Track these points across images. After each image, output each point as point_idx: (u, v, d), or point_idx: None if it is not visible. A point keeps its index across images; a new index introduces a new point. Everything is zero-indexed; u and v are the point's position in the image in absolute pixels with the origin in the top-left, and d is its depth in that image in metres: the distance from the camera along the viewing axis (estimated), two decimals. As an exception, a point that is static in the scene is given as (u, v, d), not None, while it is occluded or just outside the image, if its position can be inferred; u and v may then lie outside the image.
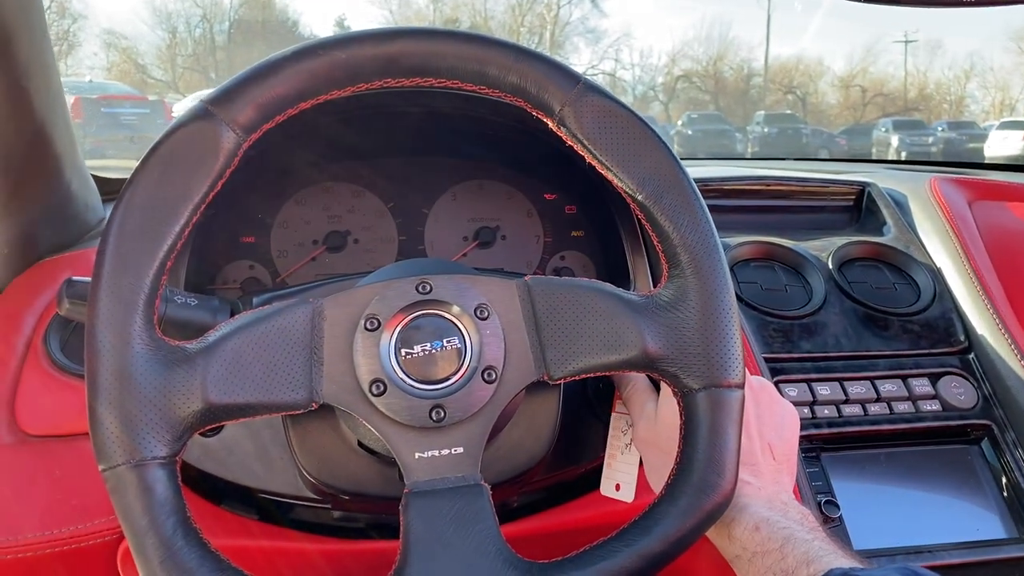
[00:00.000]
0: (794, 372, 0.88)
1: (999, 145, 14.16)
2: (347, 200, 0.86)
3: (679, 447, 0.56)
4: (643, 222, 0.57)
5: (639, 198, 0.55)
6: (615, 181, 0.56)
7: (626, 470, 0.73)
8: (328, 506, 0.70)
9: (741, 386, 0.57)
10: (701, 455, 0.54)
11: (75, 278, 0.63)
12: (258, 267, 0.84)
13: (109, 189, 1.03)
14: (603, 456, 0.77)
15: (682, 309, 0.55)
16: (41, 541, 0.67)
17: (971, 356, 0.93)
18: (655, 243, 0.57)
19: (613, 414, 0.77)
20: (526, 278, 0.57)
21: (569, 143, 0.55)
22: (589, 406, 0.77)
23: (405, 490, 0.53)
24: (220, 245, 0.83)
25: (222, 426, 0.70)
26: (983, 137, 16.23)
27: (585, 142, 0.55)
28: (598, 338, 0.55)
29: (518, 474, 0.66)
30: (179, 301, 0.64)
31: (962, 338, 0.94)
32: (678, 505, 0.54)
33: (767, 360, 0.87)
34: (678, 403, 0.57)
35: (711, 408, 0.55)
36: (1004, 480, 0.86)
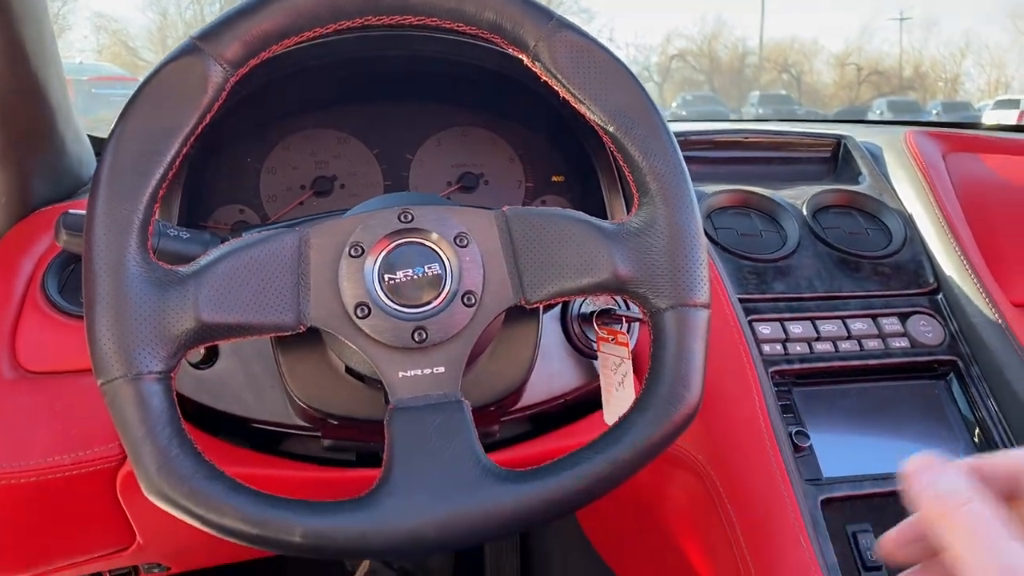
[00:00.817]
0: (767, 312, 0.91)
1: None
2: (333, 146, 0.88)
3: (649, 364, 0.59)
4: (615, 154, 0.59)
5: (610, 130, 0.58)
6: (588, 114, 0.58)
7: (624, 405, 0.76)
8: (318, 434, 0.73)
9: (707, 306, 0.60)
10: (668, 370, 0.57)
11: (71, 211, 0.65)
12: (248, 211, 0.87)
13: (102, 149, 1.05)
14: (583, 390, 0.80)
15: (651, 234, 0.58)
16: (44, 467, 0.71)
17: (939, 296, 0.96)
18: (626, 173, 0.60)
19: (600, 353, 0.80)
20: (504, 208, 0.60)
21: (544, 78, 0.58)
22: (572, 342, 0.81)
23: (390, 406, 0.56)
24: (211, 190, 0.86)
25: (215, 358, 0.73)
26: (977, 119, 16.25)
27: (559, 76, 0.57)
28: (571, 263, 0.58)
29: (498, 399, 0.69)
30: (172, 234, 0.67)
31: (931, 279, 0.97)
32: (646, 416, 0.57)
33: (741, 301, 0.91)
34: (647, 324, 0.60)
35: (678, 326, 0.58)
36: (968, 411, 0.89)
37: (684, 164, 0.60)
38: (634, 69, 0.61)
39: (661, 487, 0.87)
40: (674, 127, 1.18)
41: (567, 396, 0.79)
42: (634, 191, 0.60)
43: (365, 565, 1.28)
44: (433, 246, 0.58)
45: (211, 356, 0.74)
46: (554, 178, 0.92)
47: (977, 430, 0.88)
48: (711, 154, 1.13)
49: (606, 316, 0.79)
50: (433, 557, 1.31)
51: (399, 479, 0.54)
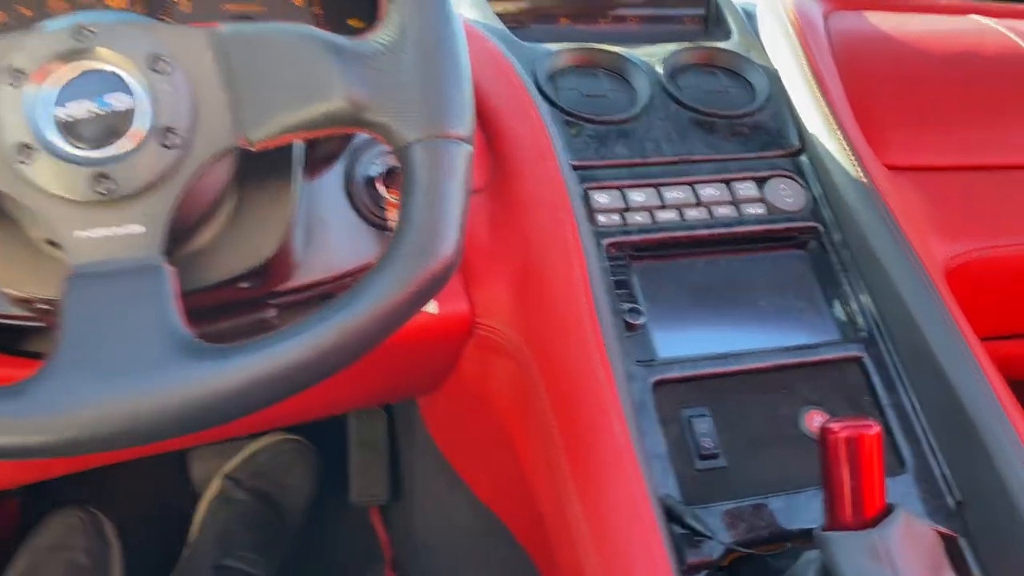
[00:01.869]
0: (607, 179, 0.80)
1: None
2: None
3: (398, 213, 0.48)
4: None
5: None
6: None
7: None
8: (42, 324, 0.61)
9: (467, 140, 0.49)
10: (418, 217, 0.47)
11: None
12: None
13: None
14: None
15: (399, 49, 0.48)
16: None
17: (802, 158, 0.86)
18: None
19: (390, 221, 0.70)
20: (218, 25, 0.48)
21: None
22: (359, 210, 0.70)
23: (65, 275, 0.45)
24: None
25: None
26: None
27: None
28: (298, 89, 0.47)
29: (246, 273, 0.58)
30: None
31: (794, 140, 0.86)
32: (387, 274, 0.47)
33: (575, 168, 0.79)
34: (398, 161, 0.49)
35: (430, 162, 0.48)
36: (829, 283, 0.80)
37: None
38: None
39: (487, 378, 0.78)
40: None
41: (356, 273, 0.68)
42: None
43: (215, 486, 1.18)
44: (120, 72, 0.46)
45: None
46: (349, 21, 0.79)
47: (837, 301, 0.79)
48: (572, 10, 1.01)
49: (393, 177, 0.68)
50: (292, 473, 1.22)
51: (64, 360, 0.43)
